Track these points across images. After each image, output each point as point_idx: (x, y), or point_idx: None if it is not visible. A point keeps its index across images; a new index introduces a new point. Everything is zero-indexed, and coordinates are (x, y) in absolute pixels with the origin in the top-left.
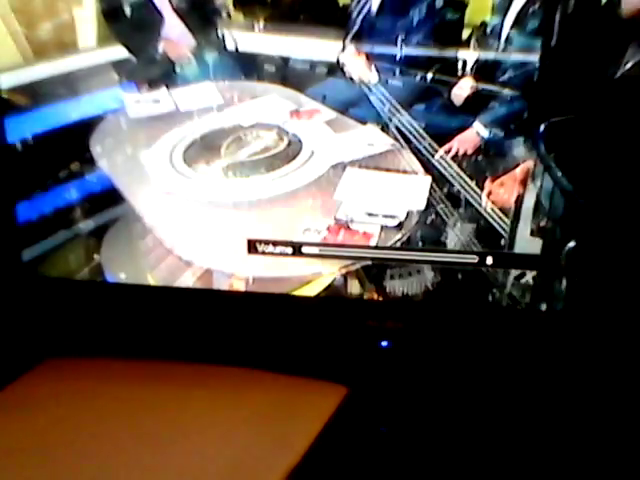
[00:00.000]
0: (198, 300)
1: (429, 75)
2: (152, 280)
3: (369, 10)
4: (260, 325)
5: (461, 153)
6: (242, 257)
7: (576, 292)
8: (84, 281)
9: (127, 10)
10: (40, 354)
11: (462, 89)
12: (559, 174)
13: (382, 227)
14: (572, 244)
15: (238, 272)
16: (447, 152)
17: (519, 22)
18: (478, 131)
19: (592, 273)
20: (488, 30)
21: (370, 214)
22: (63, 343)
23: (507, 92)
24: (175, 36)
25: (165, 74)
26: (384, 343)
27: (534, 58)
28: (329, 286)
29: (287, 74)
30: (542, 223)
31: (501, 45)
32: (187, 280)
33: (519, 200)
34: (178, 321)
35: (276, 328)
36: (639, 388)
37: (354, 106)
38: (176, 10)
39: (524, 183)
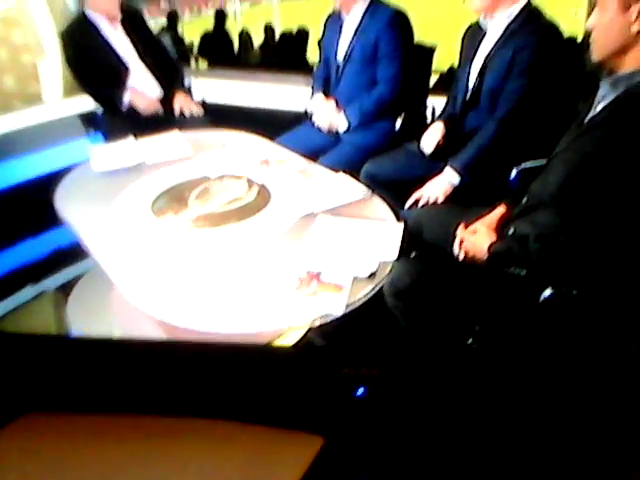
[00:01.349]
0: (170, 353)
1: (398, 122)
2: (118, 334)
3: (335, 58)
4: (235, 376)
5: (432, 201)
6: (211, 312)
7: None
8: (51, 336)
9: (93, 61)
10: (15, 411)
11: (432, 136)
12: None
13: (354, 278)
14: (548, 292)
15: (207, 329)
16: (417, 200)
17: (487, 68)
18: (449, 178)
19: (572, 324)
20: (457, 76)
21: (341, 264)
22: (38, 399)
23: (478, 138)
24: (141, 86)
25: (132, 124)
26: (359, 391)
27: (503, 103)
28: (303, 337)
29: (256, 123)
30: (516, 271)
31: (469, 91)
32: (156, 334)
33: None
34: (152, 374)
35: (251, 379)
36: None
37: (324, 154)
38: (143, 60)
39: (498, 230)
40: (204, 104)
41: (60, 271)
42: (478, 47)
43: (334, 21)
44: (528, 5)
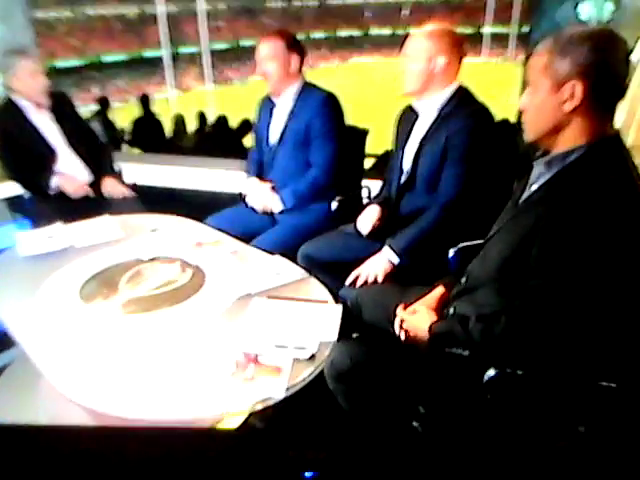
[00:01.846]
0: (106, 439)
1: (334, 204)
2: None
3: (268, 142)
4: (175, 462)
5: (371, 279)
6: (143, 400)
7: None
8: None
9: (20, 146)
10: None
11: (368, 218)
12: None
13: (293, 360)
14: (492, 372)
15: (139, 417)
16: (356, 279)
17: (421, 152)
18: (388, 257)
19: (518, 404)
20: (392, 159)
21: (280, 346)
22: None
23: (420, 222)
24: (70, 171)
25: (61, 209)
26: (308, 476)
27: (444, 189)
28: (246, 419)
29: (188, 205)
30: (458, 351)
31: (404, 174)
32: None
33: (433, 328)
34: (86, 461)
35: (192, 464)
36: None
37: (259, 235)
38: (71, 145)
39: (438, 310)
40: (135, 187)
41: None
42: (411, 130)
43: (265, 106)
44: (459, 89)
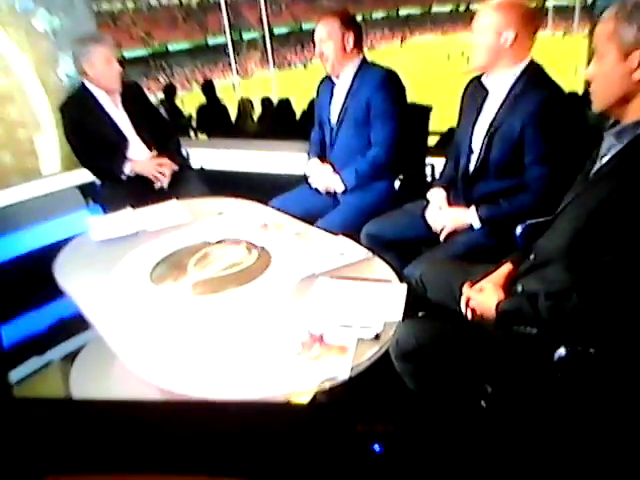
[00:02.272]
0: (178, 412)
1: (397, 183)
2: None
3: (329, 122)
4: (245, 434)
5: (438, 228)
6: (213, 380)
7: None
8: (66, 400)
9: (92, 134)
10: (38, 473)
11: (436, 211)
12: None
13: (358, 339)
14: (563, 351)
15: (209, 396)
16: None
17: (493, 137)
18: (471, 219)
19: (590, 385)
20: (458, 138)
21: (345, 326)
22: (58, 462)
23: (513, 202)
24: (137, 157)
25: (130, 195)
26: (375, 448)
27: (534, 176)
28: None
29: (253, 188)
30: (527, 329)
31: (476, 160)
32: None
33: (501, 306)
34: (163, 434)
35: (262, 437)
36: None
37: (322, 216)
38: (139, 132)
39: (505, 288)
40: (202, 171)
41: (65, 341)
42: (481, 109)
43: (326, 85)
44: (531, 66)
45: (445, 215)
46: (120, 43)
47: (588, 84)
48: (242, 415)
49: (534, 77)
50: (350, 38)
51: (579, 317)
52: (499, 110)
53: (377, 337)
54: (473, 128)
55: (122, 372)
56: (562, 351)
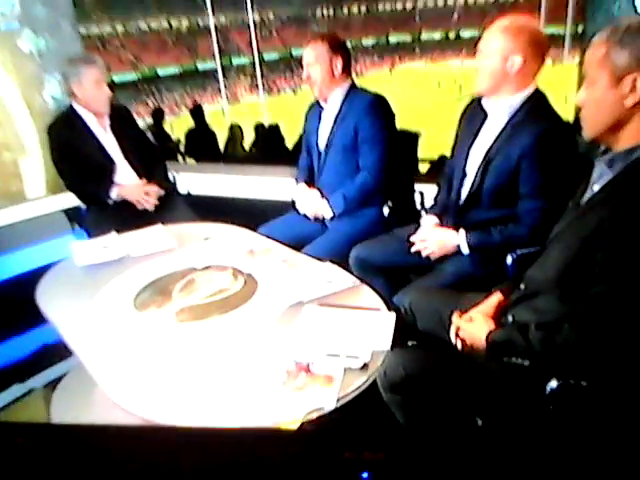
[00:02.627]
0: (167, 438)
1: (385, 209)
2: None
3: (317, 147)
4: (230, 462)
5: (426, 253)
6: (195, 409)
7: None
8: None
9: (79, 156)
10: None
11: (424, 231)
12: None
13: (345, 369)
14: (554, 383)
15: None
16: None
17: (489, 165)
18: (460, 242)
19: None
20: (453, 160)
21: (331, 355)
22: None
23: (505, 232)
24: (124, 181)
25: (116, 219)
26: (364, 476)
27: (529, 213)
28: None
29: (241, 214)
30: (518, 361)
31: (469, 187)
32: None
33: (491, 337)
34: (145, 460)
35: (249, 464)
36: None
37: (310, 242)
38: (126, 156)
39: (496, 318)
40: (189, 196)
41: (48, 369)
42: (478, 132)
43: (314, 111)
44: (535, 94)
45: (433, 236)
46: (109, 67)
47: (578, 111)
48: (228, 442)
49: (536, 107)
50: (338, 63)
51: (570, 349)
52: (497, 138)
53: (365, 367)
54: (468, 152)
55: (104, 400)
56: (554, 384)
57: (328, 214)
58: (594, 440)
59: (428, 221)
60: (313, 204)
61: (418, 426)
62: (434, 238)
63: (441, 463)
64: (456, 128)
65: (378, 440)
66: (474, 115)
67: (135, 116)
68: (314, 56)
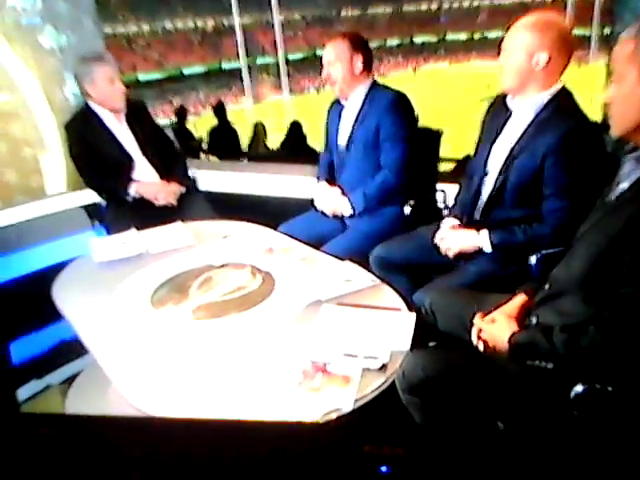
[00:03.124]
0: (187, 430)
1: (407, 208)
2: None
3: (337, 145)
4: (249, 454)
5: (446, 252)
6: (211, 409)
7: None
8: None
9: (97, 154)
10: None
11: (445, 230)
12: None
13: (363, 370)
14: (580, 388)
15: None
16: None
17: (512, 164)
18: (481, 242)
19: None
20: (474, 159)
21: (349, 355)
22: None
23: (529, 232)
24: (143, 178)
25: (135, 216)
26: (383, 470)
27: (552, 213)
28: None
29: (260, 211)
30: (542, 364)
31: (491, 185)
32: None
33: (514, 339)
34: (161, 452)
35: (268, 458)
36: None
37: (329, 240)
38: (145, 153)
39: (519, 319)
40: (210, 194)
41: (65, 365)
42: (501, 130)
43: (335, 109)
44: (562, 91)
45: (455, 236)
46: (135, 66)
47: (606, 108)
48: (247, 435)
49: (562, 105)
50: (359, 61)
51: (596, 352)
52: (522, 136)
53: (383, 367)
54: (490, 149)
55: (118, 399)
56: (579, 388)
57: (348, 212)
58: (620, 448)
59: (448, 222)
60: (333, 201)
61: (437, 429)
62: (456, 238)
63: (460, 459)
64: (480, 126)
65: (397, 434)
66: (498, 113)
67: (160, 114)
68: (335, 54)
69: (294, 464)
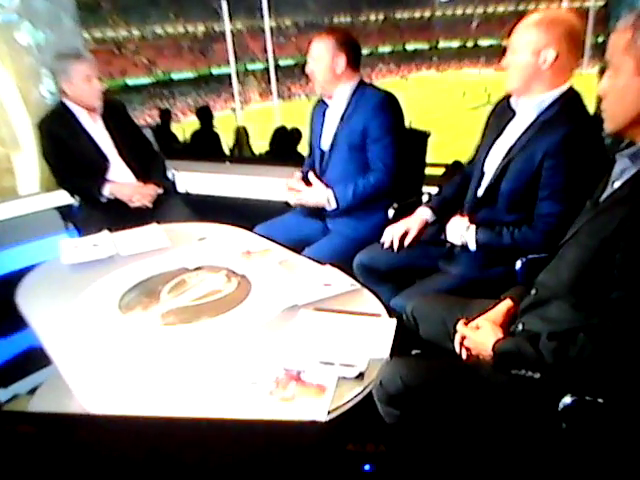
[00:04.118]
0: (158, 427)
1: (390, 212)
2: None
3: (320, 145)
4: (234, 455)
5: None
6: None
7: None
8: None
9: (71, 153)
10: None
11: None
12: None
13: (339, 378)
14: (568, 399)
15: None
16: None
17: (509, 163)
18: (468, 238)
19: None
20: (476, 156)
21: (325, 363)
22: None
23: (517, 236)
24: (119, 179)
25: (109, 217)
26: (366, 468)
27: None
28: None
29: (241, 214)
30: (528, 373)
31: (484, 178)
32: None
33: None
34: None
35: (251, 457)
36: None
37: (310, 244)
38: (121, 153)
39: (504, 326)
40: (188, 195)
41: (33, 373)
42: (502, 132)
43: (319, 108)
44: (569, 92)
45: (453, 223)
46: (125, 70)
47: (600, 102)
48: (231, 434)
49: (568, 106)
50: (342, 60)
51: (586, 361)
52: (522, 135)
53: (360, 376)
54: (488, 151)
55: (80, 409)
56: (568, 400)
57: (332, 205)
58: (610, 462)
59: (421, 212)
60: (316, 193)
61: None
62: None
63: (443, 457)
64: (483, 128)
65: (380, 433)
66: (501, 114)
67: (149, 120)
68: (317, 51)
69: (278, 463)
